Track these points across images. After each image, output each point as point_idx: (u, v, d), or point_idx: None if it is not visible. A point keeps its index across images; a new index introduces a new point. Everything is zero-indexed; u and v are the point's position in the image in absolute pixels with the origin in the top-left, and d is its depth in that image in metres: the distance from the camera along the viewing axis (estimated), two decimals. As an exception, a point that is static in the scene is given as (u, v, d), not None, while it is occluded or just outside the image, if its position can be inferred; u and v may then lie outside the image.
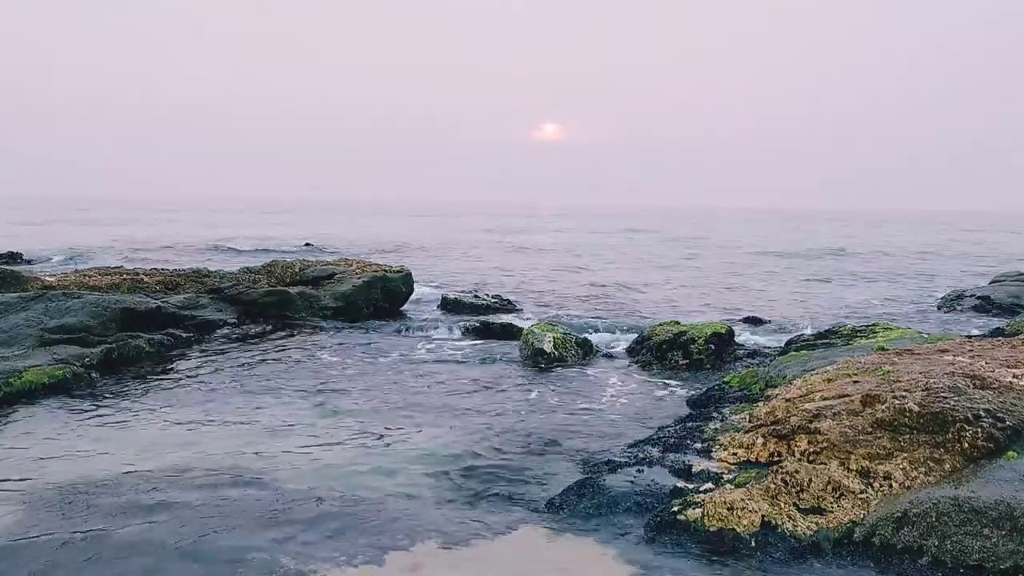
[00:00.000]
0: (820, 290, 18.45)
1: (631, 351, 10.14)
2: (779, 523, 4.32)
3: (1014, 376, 5.73)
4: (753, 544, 4.24)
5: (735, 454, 5.35)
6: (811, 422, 5.24)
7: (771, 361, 8.55)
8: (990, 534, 3.89)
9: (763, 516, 4.36)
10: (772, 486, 4.60)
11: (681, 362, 9.38)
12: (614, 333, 11.65)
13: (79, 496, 4.88)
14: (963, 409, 5.00)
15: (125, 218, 56.26)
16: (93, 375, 8.12)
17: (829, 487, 4.55)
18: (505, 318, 12.56)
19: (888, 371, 6.11)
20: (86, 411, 6.90)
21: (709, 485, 4.92)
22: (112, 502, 4.79)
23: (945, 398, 5.17)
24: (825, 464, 4.76)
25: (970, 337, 8.79)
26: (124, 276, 11.79)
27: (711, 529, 4.36)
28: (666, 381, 8.60)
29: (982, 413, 4.96)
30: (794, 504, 4.47)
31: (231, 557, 4.14)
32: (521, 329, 11.03)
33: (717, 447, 5.56)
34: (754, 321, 13.01)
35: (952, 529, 3.99)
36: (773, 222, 74.74)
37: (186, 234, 37.40)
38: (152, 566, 4.02)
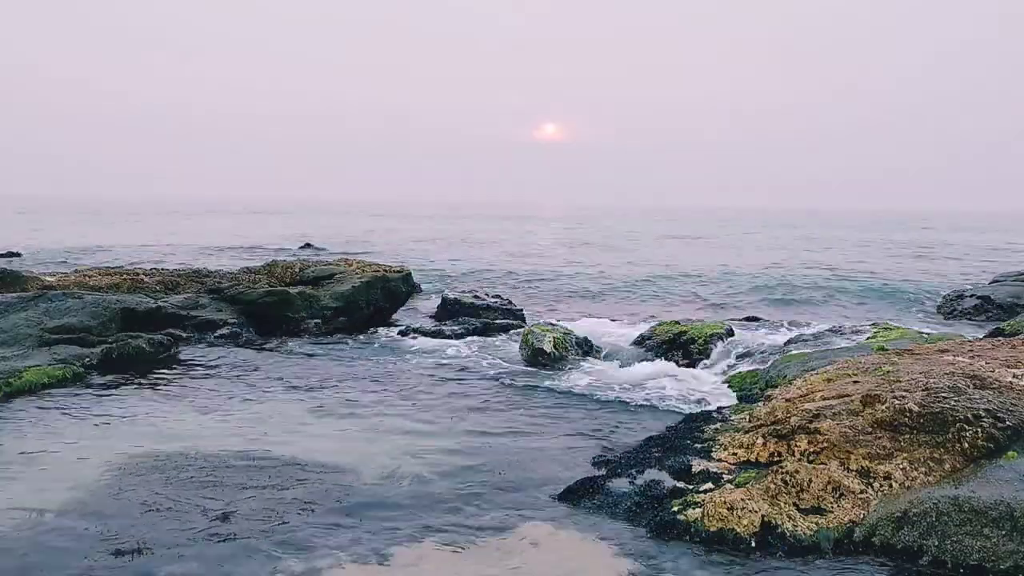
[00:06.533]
0: (822, 287, 18.45)
1: (632, 350, 10.14)
2: (779, 523, 4.32)
3: (1014, 376, 5.73)
4: (753, 544, 4.24)
5: (735, 454, 5.35)
6: (811, 422, 5.24)
7: (771, 361, 8.55)
8: (990, 534, 3.89)
9: (763, 516, 4.36)
10: (772, 486, 4.60)
11: (681, 362, 9.38)
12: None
13: (77, 495, 4.89)
14: (963, 409, 5.00)
15: (125, 219, 56.26)
16: (93, 375, 8.13)
17: (829, 487, 4.55)
18: (505, 318, 12.55)
19: (888, 371, 6.11)
20: (86, 410, 6.90)
21: (709, 485, 4.92)
22: (111, 500, 4.80)
23: (945, 398, 5.17)
24: (825, 464, 4.76)
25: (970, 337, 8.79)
26: (124, 276, 11.78)
27: (711, 529, 4.36)
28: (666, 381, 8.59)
29: (982, 413, 4.96)
30: (794, 504, 4.47)
31: (231, 554, 4.15)
32: (521, 328, 11.04)
33: (717, 447, 5.56)
34: (754, 321, 13.01)
35: (952, 529, 3.99)
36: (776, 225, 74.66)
37: (185, 235, 37.40)
38: (151, 559, 4.03)
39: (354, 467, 5.50)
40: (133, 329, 9.55)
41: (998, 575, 3.76)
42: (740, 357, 9.68)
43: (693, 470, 5.21)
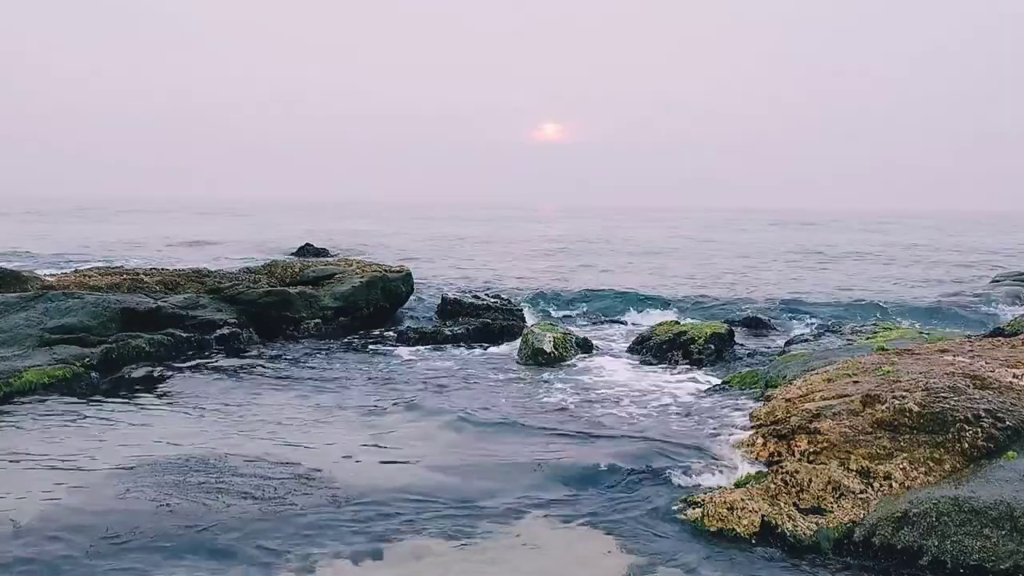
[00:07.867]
0: (822, 287, 18.44)
1: (631, 350, 10.15)
2: (779, 523, 4.32)
3: (1014, 376, 5.74)
4: (753, 544, 4.24)
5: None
6: (811, 422, 5.24)
7: (771, 361, 8.56)
8: (990, 534, 3.90)
9: (763, 516, 4.37)
10: (772, 486, 4.61)
11: (681, 362, 9.38)
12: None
13: (82, 494, 4.89)
14: (963, 409, 5.00)
15: (126, 219, 56.27)
16: (93, 375, 8.13)
17: (829, 487, 4.55)
18: (505, 319, 12.54)
19: (888, 371, 6.12)
20: (86, 410, 6.90)
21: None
22: (115, 500, 4.80)
23: (945, 398, 5.18)
24: (825, 464, 4.76)
25: (970, 337, 8.79)
26: (124, 276, 11.76)
27: (711, 529, 4.37)
28: (666, 381, 8.59)
29: (982, 413, 4.97)
30: (794, 504, 4.47)
31: (231, 548, 4.17)
32: (521, 328, 11.03)
33: (717, 447, 5.57)
34: (754, 322, 13.01)
35: (952, 529, 3.99)
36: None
37: (185, 235, 37.41)
38: (154, 557, 4.04)
39: (355, 465, 5.51)
40: (133, 329, 9.54)
41: (998, 575, 3.76)
42: (740, 357, 9.69)
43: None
